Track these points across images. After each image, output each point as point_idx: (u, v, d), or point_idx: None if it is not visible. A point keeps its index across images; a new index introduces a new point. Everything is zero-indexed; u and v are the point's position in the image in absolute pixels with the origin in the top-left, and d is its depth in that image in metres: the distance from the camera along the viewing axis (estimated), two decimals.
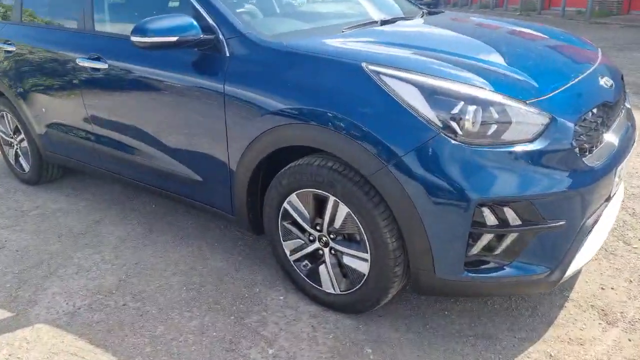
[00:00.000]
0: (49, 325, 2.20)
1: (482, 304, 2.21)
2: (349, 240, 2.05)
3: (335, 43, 2.09)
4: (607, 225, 2.05)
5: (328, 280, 2.16)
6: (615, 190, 2.07)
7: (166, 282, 2.47)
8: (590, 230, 1.91)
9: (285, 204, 2.17)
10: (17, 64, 3.29)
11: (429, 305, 2.21)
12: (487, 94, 1.75)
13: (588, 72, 2.12)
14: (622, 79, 2.43)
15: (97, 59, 2.70)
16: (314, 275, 2.21)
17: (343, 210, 1.98)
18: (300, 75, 1.98)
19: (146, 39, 2.18)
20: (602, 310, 2.13)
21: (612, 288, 2.27)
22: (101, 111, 2.83)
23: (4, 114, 3.69)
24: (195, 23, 2.19)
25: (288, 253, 2.27)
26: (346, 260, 2.07)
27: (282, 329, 2.10)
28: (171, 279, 2.49)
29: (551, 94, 1.85)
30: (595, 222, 1.94)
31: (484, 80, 1.81)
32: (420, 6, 3.34)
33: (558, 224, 1.74)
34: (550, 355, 1.91)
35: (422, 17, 2.96)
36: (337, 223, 2.03)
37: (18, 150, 3.73)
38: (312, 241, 2.17)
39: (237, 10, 2.39)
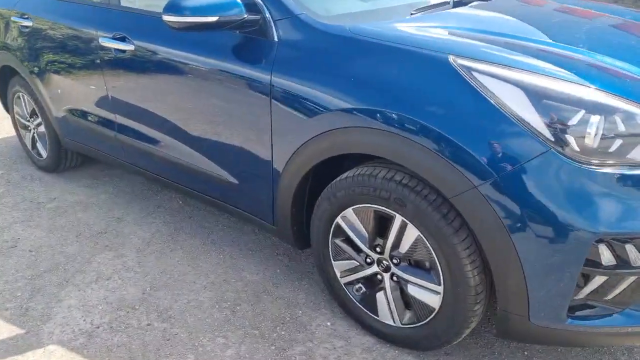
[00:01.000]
0: (64, 347, 1.92)
1: None
2: (417, 267, 1.72)
3: (410, 29, 1.72)
4: None
5: (387, 310, 1.83)
6: None
7: (196, 297, 2.17)
8: None
9: (338, 219, 1.84)
10: (35, 41, 2.97)
11: (504, 343, 1.88)
12: (611, 98, 1.38)
13: None
14: None
15: (123, 40, 2.37)
16: (370, 302, 1.89)
17: (412, 233, 1.64)
18: (369, 68, 1.62)
19: (181, 19, 1.84)
20: None
21: None
22: (126, 98, 2.51)
23: (21, 95, 3.39)
24: (238, 0, 1.84)
25: (339, 274, 1.95)
26: (411, 289, 1.74)
27: None
28: (201, 294, 2.19)
29: None
30: None
31: (603, 80, 1.44)
32: None
33: None
34: None
35: None
36: (403, 247, 1.70)
37: (35, 135, 3.45)
38: (370, 264, 1.84)
39: None
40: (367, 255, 1.83)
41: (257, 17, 1.88)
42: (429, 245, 1.61)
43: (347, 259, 1.90)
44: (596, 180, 1.34)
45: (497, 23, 1.96)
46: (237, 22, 1.85)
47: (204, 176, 2.30)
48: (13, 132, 3.77)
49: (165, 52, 2.20)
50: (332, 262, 1.95)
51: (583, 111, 1.35)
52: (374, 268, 1.83)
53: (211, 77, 2.03)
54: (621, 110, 1.36)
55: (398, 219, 1.66)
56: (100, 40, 2.48)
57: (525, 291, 1.45)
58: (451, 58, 1.49)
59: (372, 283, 1.88)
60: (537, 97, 1.38)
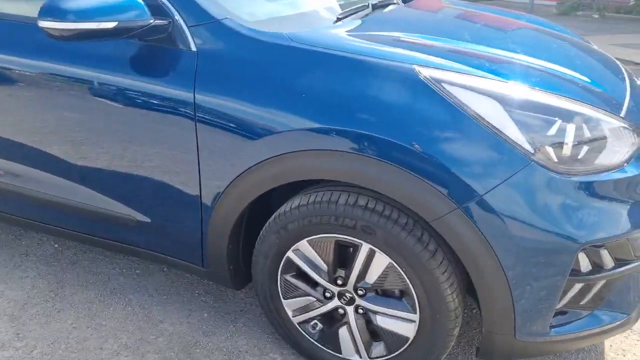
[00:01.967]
0: None
1: None
2: (386, 296, 1.57)
3: (354, 37, 1.56)
4: None
5: (351, 346, 1.66)
6: None
7: None
8: None
9: (289, 253, 1.62)
10: None
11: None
12: (579, 105, 1.38)
13: (624, 73, 1.87)
14: None
15: None
16: (330, 339, 1.70)
17: (382, 261, 1.49)
18: (324, 83, 1.42)
19: (65, 25, 1.43)
20: None
21: None
22: None
23: None
24: (140, 1, 1.49)
25: (290, 314, 1.72)
26: (380, 321, 1.59)
27: None
28: None
29: (625, 105, 1.55)
30: None
31: (565, 87, 1.44)
32: None
33: None
34: None
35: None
36: (371, 277, 1.54)
37: None
38: (329, 298, 1.65)
39: None
40: (326, 290, 1.63)
41: (165, 22, 1.54)
42: (402, 272, 1.48)
43: (301, 296, 1.69)
44: (575, 188, 1.33)
45: (428, 26, 1.89)
46: (141, 29, 1.50)
47: (104, 217, 1.87)
48: None
49: (45, 68, 1.72)
50: (282, 300, 1.71)
51: (559, 121, 1.32)
52: (335, 302, 1.64)
53: (110, 98, 1.63)
54: (586, 117, 1.37)
55: (365, 248, 1.50)
56: None
57: (512, 310, 1.40)
58: (416, 69, 1.36)
59: (332, 319, 1.69)
60: (513, 108, 1.32)
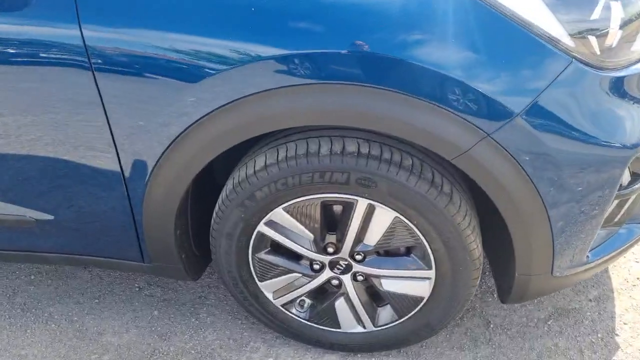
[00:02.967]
0: None
1: None
2: (390, 255, 1.27)
3: None
4: None
5: (352, 318, 1.37)
6: None
7: None
8: None
9: (261, 227, 1.24)
10: None
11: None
12: None
13: None
14: None
15: None
16: (325, 315, 1.39)
17: (385, 217, 1.17)
18: None
19: None
20: None
21: None
22: None
23: None
24: None
25: (271, 296, 1.37)
26: (387, 285, 1.29)
27: None
28: None
29: None
30: None
31: None
32: None
33: None
34: None
35: None
36: (373, 238, 1.21)
37: None
38: (319, 270, 1.31)
39: None
40: (314, 262, 1.29)
41: None
42: (412, 226, 1.16)
43: (282, 274, 1.33)
44: (621, 86, 1.06)
45: None
46: None
47: None
48: None
49: None
50: (259, 283, 1.35)
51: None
52: (327, 274, 1.31)
53: None
54: None
55: (362, 204, 1.16)
56: None
57: (551, 247, 1.16)
58: None
59: (324, 292, 1.37)
60: None
